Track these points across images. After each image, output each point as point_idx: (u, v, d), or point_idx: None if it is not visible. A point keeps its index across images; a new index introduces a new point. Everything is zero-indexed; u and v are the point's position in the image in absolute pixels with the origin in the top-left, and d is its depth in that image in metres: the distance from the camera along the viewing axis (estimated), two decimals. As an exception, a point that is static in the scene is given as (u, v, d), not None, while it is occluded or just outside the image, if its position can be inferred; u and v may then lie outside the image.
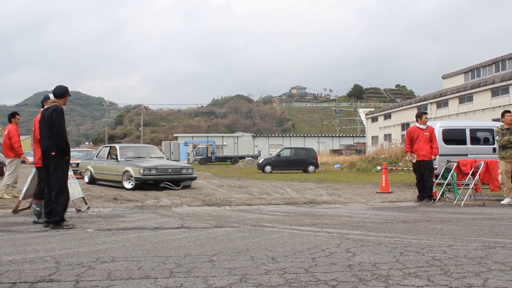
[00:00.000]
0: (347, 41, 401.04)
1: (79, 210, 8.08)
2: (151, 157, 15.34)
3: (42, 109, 6.91)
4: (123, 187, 13.40)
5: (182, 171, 14.16)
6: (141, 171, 13.16)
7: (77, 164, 19.14)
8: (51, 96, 6.76)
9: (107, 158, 15.33)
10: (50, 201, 6.31)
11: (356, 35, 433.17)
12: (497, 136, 9.77)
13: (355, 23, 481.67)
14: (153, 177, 13.37)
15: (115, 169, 14.19)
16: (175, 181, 13.72)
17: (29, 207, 8.01)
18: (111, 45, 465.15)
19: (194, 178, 14.62)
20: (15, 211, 7.86)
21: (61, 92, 6.60)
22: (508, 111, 9.84)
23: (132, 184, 13.26)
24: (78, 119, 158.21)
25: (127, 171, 13.46)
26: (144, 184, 13.26)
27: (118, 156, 14.55)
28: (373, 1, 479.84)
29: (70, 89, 6.85)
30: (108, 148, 16.13)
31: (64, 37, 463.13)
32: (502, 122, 9.89)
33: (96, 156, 16.43)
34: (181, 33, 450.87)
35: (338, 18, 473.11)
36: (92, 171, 15.55)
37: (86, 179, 15.74)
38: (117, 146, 15.75)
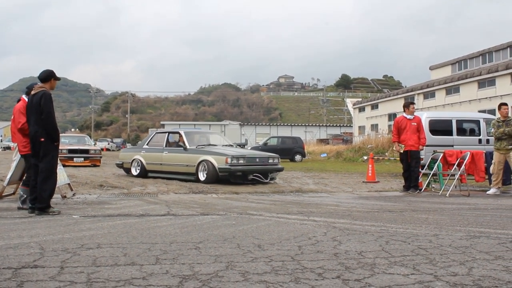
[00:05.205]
0: (342, 29, 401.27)
1: (65, 197, 8.01)
2: (223, 145, 13.19)
3: (24, 95, 6.82)
4: (197, 180, 11.45)
5: (269, 161, 12.14)
6: (229, 160, 11.04)
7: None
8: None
9: (166, 146, 13.06)
10: (36, 187, 6.24)
11: (352, 23, 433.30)
12: (493, 128, 9.84)
13: (351, 12, 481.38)
14: (242, 167, 11.27)
15: (185, 159, 11.98)
16: (264, 172, 11.68)
17: (13, 193, 7.94)
18: (108, 30, 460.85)
19: (281, 170, 12.58)
20: (-1, 197, 7.78)
21: (45, 76, 6.47)
22: (505, 104, 9.87)
23: (205, 176, 11.34)
24: (64, 105, 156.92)
25: (205, 160, 11.36)
26: (231, 176, 11.17)
27: (186, 144, 12.25)
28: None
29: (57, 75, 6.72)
30: (166, 134, 13.61)
31: (60, 21, 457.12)
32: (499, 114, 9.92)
33: (147, 144, 13.83)
34: (178, 19, 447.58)
35: (334, 7, 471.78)
36: (144, 162, 13.14)
37: (135, 172, 13.35)
38: (181, 131, 13.20)
